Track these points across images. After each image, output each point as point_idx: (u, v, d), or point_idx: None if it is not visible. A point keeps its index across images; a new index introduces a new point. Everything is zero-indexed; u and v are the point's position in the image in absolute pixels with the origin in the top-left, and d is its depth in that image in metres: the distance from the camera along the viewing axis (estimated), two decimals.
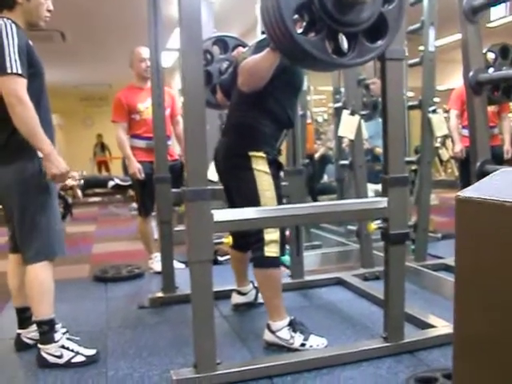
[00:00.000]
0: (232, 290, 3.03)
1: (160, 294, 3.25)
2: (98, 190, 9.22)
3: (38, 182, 2.26)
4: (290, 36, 1.77)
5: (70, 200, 7.37)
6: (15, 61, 2.12)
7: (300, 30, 1.82)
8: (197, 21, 1.94)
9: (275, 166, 2.43)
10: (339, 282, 3.45)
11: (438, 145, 4.49)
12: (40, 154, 2.24)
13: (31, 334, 2.50)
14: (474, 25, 2.31)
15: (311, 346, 2.37)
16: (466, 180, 4.47)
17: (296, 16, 1.80)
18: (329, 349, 2.35)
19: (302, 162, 3.42)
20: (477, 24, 2.31)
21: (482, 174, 2.34)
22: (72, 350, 2.35)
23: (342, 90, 4.31)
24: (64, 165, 2.25)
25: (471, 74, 2.29)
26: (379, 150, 5.31)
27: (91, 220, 7.60)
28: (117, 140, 3.86)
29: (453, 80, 8.42)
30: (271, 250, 2.34)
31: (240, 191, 2.43)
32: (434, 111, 3.53)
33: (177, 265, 3.57)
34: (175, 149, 4.26)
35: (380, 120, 5.21)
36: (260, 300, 3.04)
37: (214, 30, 4.79)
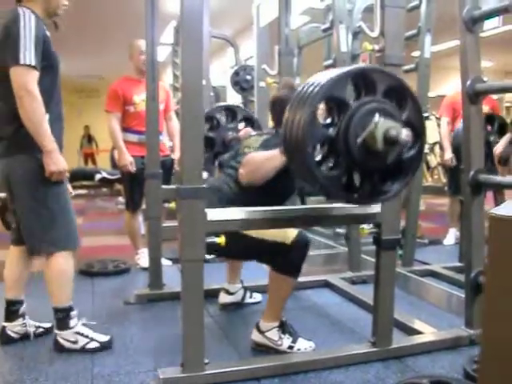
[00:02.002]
0: (220, 289, 3.02)
1: (147, 291, 3.23)
2: (84, 183, 9.14)
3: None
4: (308, 167, 1.76)
5: None
6: (29, 52, 2.11)
7: (318, 157, 1.81)
8: (198, 18, 1.92)
9: None
10: (326, 285, 3.45)
11: (426, 151, 4.54)
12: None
13: (17, 328, 2.47)
14: (473, 34, 2.32)
15: (299, 349, 2.37)
16: (454, 187, 4.51)
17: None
18: (316, 352, 2.35)
19: None
20: (476, 34, 2.32)
21: (476, 182, 2.35)
22: (87, 336, 2.40)
23: None
24: (63, 163, 2.26)
25: (469, 82, 2.30)
26: None
27: (77, 213, 7.48)
28: (109, 130, 3.79)
29: (442, 87, 8.49)
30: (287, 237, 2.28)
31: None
32: (426, 118, 3.54)
33: (164, 261, 3.55)
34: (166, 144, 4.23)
35: None
36: (247, 300, 3.05)
37: (209, 27, 4.81)
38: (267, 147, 2.34)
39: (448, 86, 8.30)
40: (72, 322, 2.39)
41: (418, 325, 2.61)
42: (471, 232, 2.41)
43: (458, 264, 3.65)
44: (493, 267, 0.69)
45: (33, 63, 2.11)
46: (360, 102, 1.78)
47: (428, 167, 7.91)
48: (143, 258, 3.88)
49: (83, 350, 2.37)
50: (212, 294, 2.97)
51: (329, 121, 1.81)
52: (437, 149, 6.35)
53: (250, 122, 3.29)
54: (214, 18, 4.97)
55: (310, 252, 4.21)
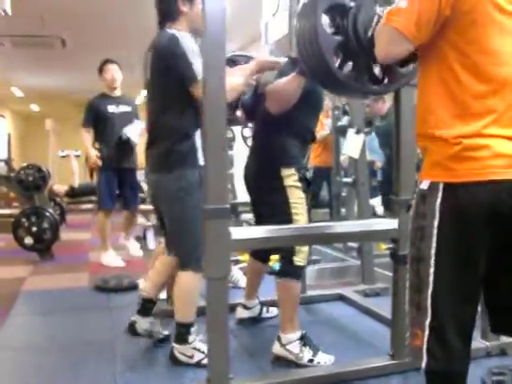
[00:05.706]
0: (237, 304, 3.07)
1: (165, 306, 3.26)
2: (92, 198, 9.16)
3: (197, 191, 2.32)
4: (334, 76, 1.84)
5: (65, 206, 7.34)
6: (200, 66, 2.16)
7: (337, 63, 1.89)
8: (221, 31, 1.96)
9: (305, 182, 2.51)
10: (340, 298, 3.50)
11: None
12: (202, 163, 2.28)
13: (146, 325, 2.61)
14: None
15: (319, 363, 2.41)
16: None
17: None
18: (336, 366, 2.40)
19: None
20: None
21: None
22: (203, 352, 2.42)
23: (339, 104, 4.41)
24: None
25: None
26: (379, 165, 5.39)
27: (85, 227, 7.57)
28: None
29: None
30: (300, 260, 2.41)
31: (273, 209, 2.48)
32: None
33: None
34: None
35: (373, 134, 5.34)
36: (264, 315, 3.09)
37: None
38: (283, 74, 2.41)
39: None
40: (191, 338, 2.46)
41: None
42: None
43: None
44: None
45: None
46: (358, 2, 1.82)
47: None
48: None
49: (198, 365, 2.42)
50: (229, 309, 3.01)
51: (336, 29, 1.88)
52: None
53: None
54: None
55: (321, 265, 4.32)
